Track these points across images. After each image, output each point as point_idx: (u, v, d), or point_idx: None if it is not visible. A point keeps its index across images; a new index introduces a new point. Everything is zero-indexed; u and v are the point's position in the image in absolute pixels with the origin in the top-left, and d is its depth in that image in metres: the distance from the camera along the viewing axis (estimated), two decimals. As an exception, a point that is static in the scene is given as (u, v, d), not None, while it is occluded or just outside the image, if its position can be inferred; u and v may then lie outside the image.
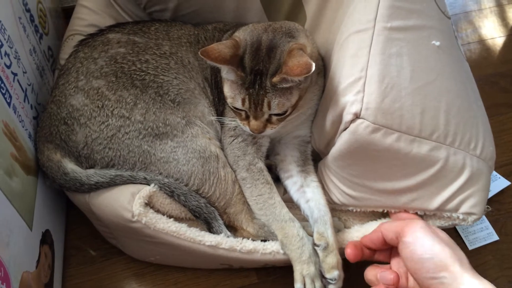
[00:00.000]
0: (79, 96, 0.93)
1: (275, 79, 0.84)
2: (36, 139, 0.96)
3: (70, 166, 0.92)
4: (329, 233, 0.91)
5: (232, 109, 0.91)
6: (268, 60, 0.85)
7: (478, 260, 1.07)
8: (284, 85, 0.84)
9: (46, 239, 0.95)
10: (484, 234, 1.10)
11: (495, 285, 1.01)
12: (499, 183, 1.18)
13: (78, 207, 1.01)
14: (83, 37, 1.07)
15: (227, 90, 0.89)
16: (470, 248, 1.09)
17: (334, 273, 0.88)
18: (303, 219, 0.97)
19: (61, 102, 0.94)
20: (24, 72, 0.96)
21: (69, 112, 0.93)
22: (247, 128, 0.90)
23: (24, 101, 0.94)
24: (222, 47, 0.85)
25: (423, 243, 0.76)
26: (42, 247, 0.93)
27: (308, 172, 1.00)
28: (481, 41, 1.58)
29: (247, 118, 0.89)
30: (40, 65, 1.07)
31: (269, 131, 0.90)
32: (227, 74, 0.87)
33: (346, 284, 0.89)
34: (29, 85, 0.98)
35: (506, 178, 1.19)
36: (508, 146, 1.25)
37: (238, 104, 0.87)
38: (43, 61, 1.09)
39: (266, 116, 0.88)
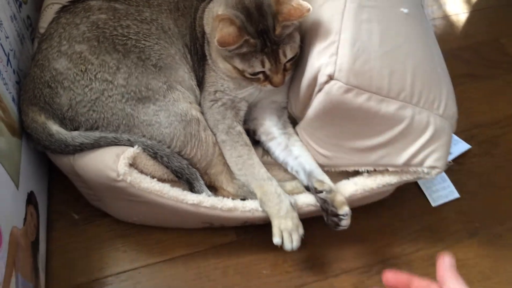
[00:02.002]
0: (62, 60, 0.95)
1: (278, 31, 0.91)
2: (20, 102, 0.98)
3: (55, 127, 0.95)
4: (327, 179, 0.99)
5: (247, 78, 0.97)
6: (263, 18, 0.91)
7: (441, 215, 1.15)
8: (287, 31, 0.92)
9: (31, 199, 0.98)
10: (446, 192, 1.18)
11: (456, 237, 1.11)
12: (460, 146, 1.26)
13: (62, 170, 1.04)
14: (61, 6, 1.08)
15: (241, 64, 0.95)
16: (433, 205, 1.16)
17: (345, 208, 0.94)
18: (279, 180, 1.03)
19: (44, 66, 0.96)
20: (7, 37, 0.97)
21: (52, 76, 0.95)
22: (268, 87, 0.98)
23: (7, 65, 0.96)
24: (227, 30, 0.89)
25: None
26: (28, 207, 0.95)
27: (290, 133, 1.06)
28: (446, 17, 1.66)
29: (266, 78, 0.96)
30: (21, 32, 1.08)
31: (287, 78, 0.98)
32: (239, 49, 0.92)
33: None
34: (11, 50, 1.00)
35: (467, 142, 1.28)
36: (469, 113, 1.34)
37: (258, 68, 0.94)
38: (23, 29, 1.11)
39: (282, 66, 0.95)
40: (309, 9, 0.89)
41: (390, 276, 0.64)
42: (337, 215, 0.95)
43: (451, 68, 1.03)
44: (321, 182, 0.98)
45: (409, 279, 0.63)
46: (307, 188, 1.01)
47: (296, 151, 1.04)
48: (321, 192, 0.96)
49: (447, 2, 1.71)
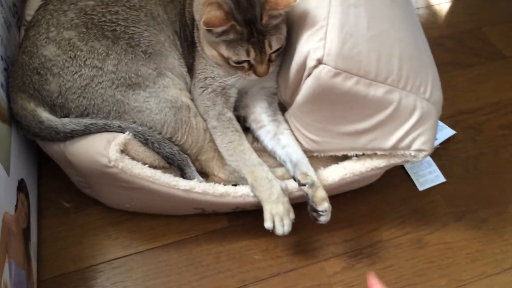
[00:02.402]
0: (51, 47, 0.95)
1: (264, 20, 0.91)
2: (9, 89, 0.97)
3: (45, 115, 0.94)
4: (311, 172, 0.99)
5: (232, 66, 0.97)
6: (251, 7, 0.92)
7: (428, 199, 1.17)
8: (274, 22, 0.93)
9: (22, 187, 0.97)
10: (433, 176, 1.21)
11: (443, 221, 1.13)
12: (445, 132, 1.29)
13: (52, 158, 1.04)
14: (48, -7, 1.07)
15: (226, 51, 0.95)
16: (420, 189, 1.19)
17: (325, 205, 0.96)
18: (269, 166, 1.04)
19: (33, 53, 0.95)
20: (-6, 24, 0.96)
21: (41, 63, 0.94)
22: (252, 76, 0.98)
23: (-5, 51, 0.95)
24: (214, 13, 0.90)
25: None
26: (18, 195, 0.95)
27: (280, 121, 1.07)
28: (429, 6, 1.69)
29: (251, 67, 0.97)
30: (7, 19, 1.07)
31: (271, 69, 0.99)
32: (226, 35, 0.93)
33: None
34: (-1, 37, 0.99)
35: (451, 128, 1.30)
36: (453, 100, 1.37)
37: (243, 57, 0.94)
38: (9, 16, 1.09)
39: (267, 56, 0.95)
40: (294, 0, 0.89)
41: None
42: (316, 211, 0.97)
43: (435, 56, 1.05)
44: (305, 174, 0.99)
45: None
46: (294, 179, 1.02)
47: (284, 140, 1.05)
48: (304, 185, 0.98)
49: (431, -8, 1.74)
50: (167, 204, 1.04)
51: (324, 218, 0.97)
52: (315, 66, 0.90)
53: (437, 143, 1.26)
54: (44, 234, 1.07)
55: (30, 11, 1.09)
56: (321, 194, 0.97)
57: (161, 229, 1.09)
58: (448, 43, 1.55)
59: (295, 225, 0.98)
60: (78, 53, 0.94)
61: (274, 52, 0.97)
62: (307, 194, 0.98)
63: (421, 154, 0.96)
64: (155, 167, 0.99)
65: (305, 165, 1.01)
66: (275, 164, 1.08)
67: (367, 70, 0.91)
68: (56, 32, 0.96)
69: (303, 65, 0.92)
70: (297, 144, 1.04)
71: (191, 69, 1.08)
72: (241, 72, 0.99)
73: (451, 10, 1.68)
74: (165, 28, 1.05)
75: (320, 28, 0.91)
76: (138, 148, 0.97)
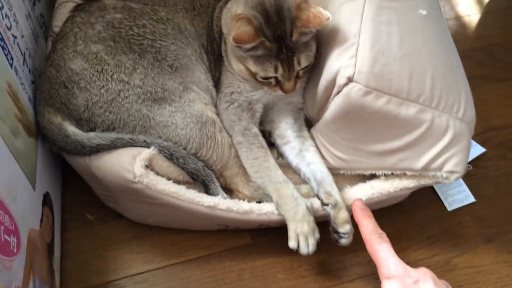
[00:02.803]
0: (78, 60, 0.95)
1: (295, 37, 0.89)
2: (36, 102, 0.97)
3: (71, 129, 0.94)
4: (335, 192, 0.97)
5: (259, 81, 0.96)
6: (282, 22, 0.90)
7: (457, 219, 1.14)
8: (304, 39, 0.91)
9: (47, 201, 0.97)
10: (462, 196, 1.17)
11: (472, 243, 1.10)
12: (475, 150, 1.26)
13: (76, 171, 1.03)
14: (76, 4, 1.07)
15: (254, 66, 0.94)
16: (449, 209, 1.15)
17: (346, 227, 0.94)
18: (294, 183, 1.02)
19: (60, 66, 0.95)
20: (22, 36, 0.96)
21: (68, 76, 0.94)
22: (278, 92, 0.97)
23: (23, 64, 0.95)
24: (243, 29, 0.88)
25: None
26: (44, 209, 0.94)
27: (305, 137, 1.05)
28: (458, 18, 1.65)
29: (277, 83, 0.95)
30: (35, 30, 1.07)
31: (298, 85, 0.97)
32: (254, 51, 0.91)
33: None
34: (27, 49, 0.99)
35: (481, 146, 1.27)
36: (483, 116, 1.33)
37: (271, 73, 0.93)
38: (37, 27, 1.10)
39: (295, 73, 0.93)
40: (328, 18, 0.87)
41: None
42: (337, 232, 0.95)
43: (464, 70, 1.02)
44: (328, 194, 0.97)
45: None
46: (318, 197, 1.00)
47: (309, 157, 1.03)
48: (326, 205, 0.96)
49: (459, 3, 1.70)
50: (191, 220, 1.03)
51: (345, 241, 0.95)
52: (345, 84, 0.87)
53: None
54: (67, 246, 1.06)
55: (57, 22, 1.09)
56: (343, 215, 0.95)
57: (184, 244, 1.08)
58: (477, 56, 1.51)
59: (320, 244, 0.95)
60: (105, 67, 0.94)
61: (302, 68, 0.95)
62: (329, 215, 0.95)
63: (453, 176, 0.94)
64: (179, 182, 0.98)
65: (329, 183, 0.99)
66: (300, 181, 1.05)
67: (399, 88, 0.88)
68: (83, 46, 0.96)
69: (333, 82, 0.90)
70: (322, 162, 1.02)
71: (217, 83, 1.07)
72: (268, 87, 0.98)
73: (481, 22, 1.64)
74: (192, 42, 1.04)
75: (351, 45, 0.89)
76: (162, 163, 0.96)
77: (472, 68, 1.45)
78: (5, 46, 0.84)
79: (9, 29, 0.88)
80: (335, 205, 0.95)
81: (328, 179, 1.00)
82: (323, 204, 0.97)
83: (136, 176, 0.91)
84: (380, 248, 0.87)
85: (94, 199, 1.10)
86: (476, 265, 1.06)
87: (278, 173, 1.00)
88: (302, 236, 0.95)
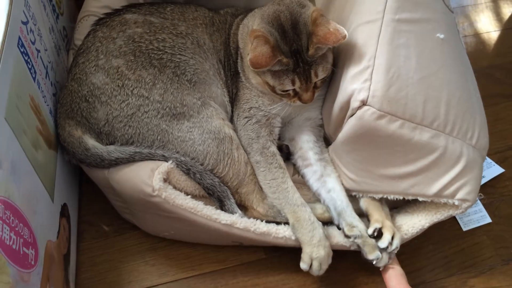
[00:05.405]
0: (100, 75, 0.96)
1: (311, 52, 0.90)
2: (57, 115, 0.99)
3: (91, 142, 0.95)
4: (356, 221, 0.96)
5: (279, 93, 0.97)
6: (298, 37, 0.91)
7: (474, 239, 1.13)
8: (320, 52, 0.92)
9: (64, 212, 0.98)
10: (478, 216, 1.16)
11: (489, 263, 1.08)
12: (493, 169, 1.24)
13: (94, 183, 1.05)
14: (98, 18, 1.09)
15: (272, 80, 0.94)
16: (464, 229, 1.14)
17: (376, 254, 0.92)
18: (308, 200, 1.02)
19: (82, 80, 0.97)
20: (45, 50, 0.98)
21: (90, 90, 0.96)
22: (297, 103, 0.98)
23: (46, 77, 0.97)
24: (261, 49, 0.89)
25: None
26: (61, 220, 0.96)
27: (327, 161, 1.03)
28: (477, 35, 1.64)
29: (296, 94, 0.96)
30: (58, 44, 1.09)
31: (316, 94, 0.98)
32: (271, 66, 0.91)
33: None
34: (49, 62, 1.00)
35: (499, 165, 1.25)
36: (502, 135, 1.31)
37: (289, 86, 0.94)
38: (59, 40, 1.12)
39: (313, 84, 0.94)
40: (345, 36, 0.88)
41: None
42: (368, 259, 0.94)
43: (483, 87, 1.02)
44: (351, 226, 0.95)
45: None
46: (338, 227, 0.99)
47: (330, 184, 1.01)
48: (349, 237, 0.95)
49: (479, 20, 1.69)
50: (207, 235, 1.03)
51: (380, 264, 0.94)
52: (359, 107, 0.87)
53: (484, 180, 1.21)
54: (82, 257, 1.08)
55: (79, 35, 1.11)
56: (370, 242, 0.94)
57: (198, 257, 1.08)
58: (497, 74, 1.50)
59: (333, 260, 0.95)
60: (126, 82, 0.95)
61: (319, 80, 0.95)
62: (357, 245, 0.95)
63: (465, 205, 0.92)
64: (195, 196, 0.99)
65: (349, 214, 0.98)
66: (314, 198, 1.05)
67: (413, 113, 0.87)
68: (105, 60, 0.97)
69: (347, 104, 0.90)
70: (343, 189, 1.00)
71: (233, 99, 1.07)
72: (287, 99, 0.98)
73: (500, 39, 1.63)
74: (210, 56, 1.05)
75: (365, 68, 0.88)
76: (180, 177, 0.97)
77: (491, 86, 1.44)
78: (29, 60, 0.85)
79: (33, 43, 0.89)
80: (359, 236, 0.94)
81: (348, 209, 0.98)
82: (346, 236, 0.96)
83: (154, 189, 0.91)
84: None
85: (110, 210, 1.11)
86: (493, 286, 1.05)
87: (296, 196, 0.99)
88: (316, 261, 0.94)
